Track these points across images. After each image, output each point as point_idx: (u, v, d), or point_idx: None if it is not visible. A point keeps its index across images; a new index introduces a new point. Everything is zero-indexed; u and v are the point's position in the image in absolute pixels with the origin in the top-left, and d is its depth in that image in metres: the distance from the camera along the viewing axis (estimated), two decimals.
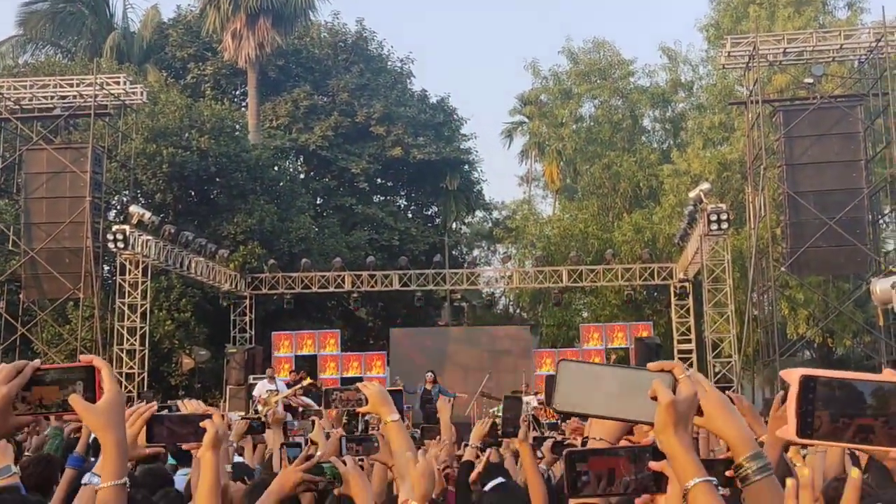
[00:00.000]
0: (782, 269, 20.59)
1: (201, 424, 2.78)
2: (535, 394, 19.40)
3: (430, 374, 18.66)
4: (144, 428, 2.72)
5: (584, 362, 1.63)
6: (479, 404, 19.21)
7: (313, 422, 5.62)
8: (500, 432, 5.29)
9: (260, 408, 16.21)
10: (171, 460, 7.28)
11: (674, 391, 1.53)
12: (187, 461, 4.78)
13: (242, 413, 17.59)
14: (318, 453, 4.76)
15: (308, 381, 17.73)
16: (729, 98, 27.55)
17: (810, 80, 19.95)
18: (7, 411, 1.95)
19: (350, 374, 24.06)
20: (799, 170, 19.85)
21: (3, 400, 1.91)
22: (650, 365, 1.62)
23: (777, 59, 21.15)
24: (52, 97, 21.90)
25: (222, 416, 3.05)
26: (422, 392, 18.20)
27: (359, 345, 30.47)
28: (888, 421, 1.32)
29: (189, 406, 3.27)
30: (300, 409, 16.35)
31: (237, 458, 5.83)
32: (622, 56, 34.48)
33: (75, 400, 1.92)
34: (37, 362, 2.09)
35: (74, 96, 21.78)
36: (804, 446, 1.50)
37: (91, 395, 1.95)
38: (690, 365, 22.71)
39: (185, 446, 3.42)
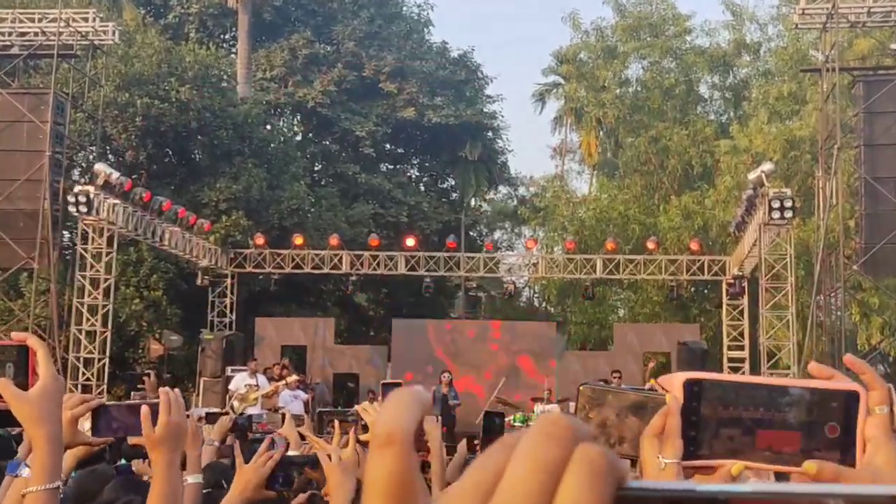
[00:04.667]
0: (854, 267, 20.41)
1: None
2: (561, 402, 19.40)
3: (446, 374, 18.70)
4: (89, 417, 2.70)
5: (603, 387, 1.62)
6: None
7: (283, 416, 5.64)
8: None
9: (235, 404, 16.24)
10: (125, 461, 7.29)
11: None
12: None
13: (218, 409, 17.72)
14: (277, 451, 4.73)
15: (294, 377, 17.77)
16: (801, 64, 27.24)
17: None
18: None
19: (343, 371, 24.14)
20: (879, 151, 19.62)
21: None
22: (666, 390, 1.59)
23: (860, 20, 20.88)
24: (10, 33, 21.89)
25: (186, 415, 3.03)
26: (440, 396, 18.18)
27: (356, 336, 30.52)
28: (796, 434, 1.25)
29: (150, 385, 3.29)
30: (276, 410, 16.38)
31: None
32: (678, 10, 34.25)
33: (3, 385, 1.86)
34: None
35: (36, 33, 21.78)
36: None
37: (23, 380, 1.90)
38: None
39: (132, 440, 3.40)
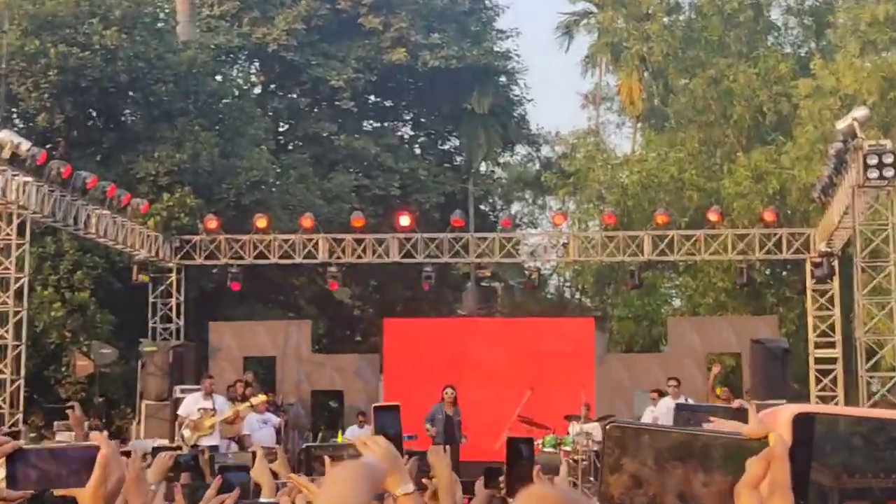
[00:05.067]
0: None
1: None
2: (602, 420, 19.41)
3: (449, 390, 18.67)
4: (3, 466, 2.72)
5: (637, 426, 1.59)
6: (518, 432, 19.17)
7: (254, 454, 5.61)
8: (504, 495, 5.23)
9: (186, 433, 16.26)
10: None
11: None
12: None
13: (165, 441, 17.73)
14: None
15: (261, 397, 17.76)
16: None
17: None
18: None
19: (323, 387, 24.17)
20: None
21: None
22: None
23: None
24: None
25: (126, 450, 3.09)
26: (443, 418, 18.22)
27: (339, 342, 30.53)
28: None
29: (75, 420, 3.33)
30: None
31: None
32: None
33: None
34: None
35: None
36: None
37: None
38: (833, 381, 22.65)
39: (59, 492, 3.45)
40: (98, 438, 2.79)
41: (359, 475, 0.43)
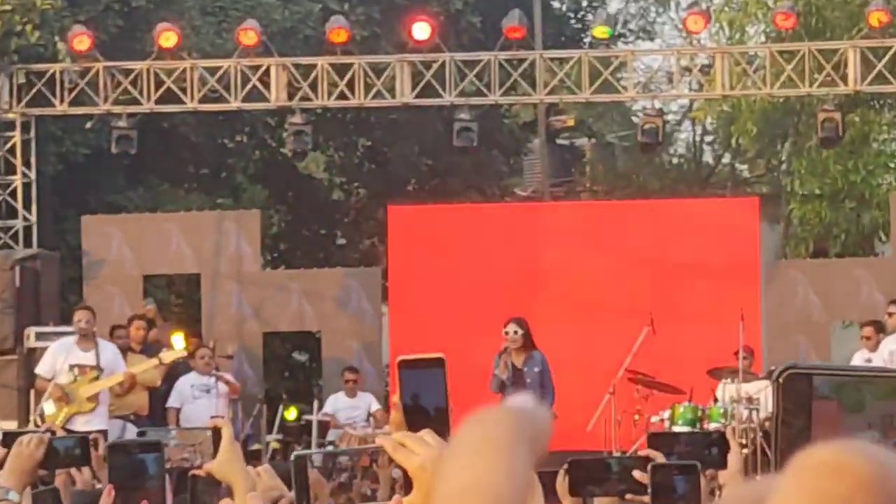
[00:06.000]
0: None
1: None
2: (772, 374, 19.57)
3: (513, 327, 18.83)
4: None
5: None
6: (627, 401, 19.43)
7: (216, 432, 5.72)
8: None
9: (49, 408, 16.50)
10: None
11: None
12: None
13: (13, 425, 18.01)
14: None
15: (176, 352, 18.06)
16: None
17: None
18: None
19: (283, 327, 24.34)
20: None
21: None
22: None
23: None
24: None
25: None
26: (506, 376, 18.48)
27: (309, 248, 30.71)
28: None
29: None
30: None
31: None
32: None
33: None
34: None
35: None
36: None
37: None
38: None
39: None
40: None
41: (508, 430, 0.47)
